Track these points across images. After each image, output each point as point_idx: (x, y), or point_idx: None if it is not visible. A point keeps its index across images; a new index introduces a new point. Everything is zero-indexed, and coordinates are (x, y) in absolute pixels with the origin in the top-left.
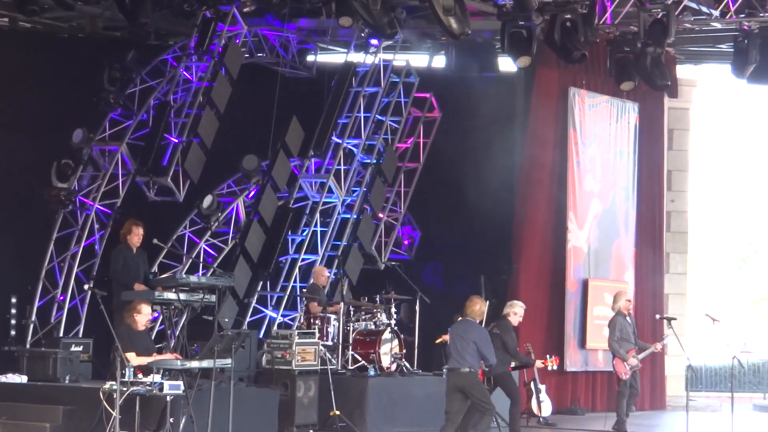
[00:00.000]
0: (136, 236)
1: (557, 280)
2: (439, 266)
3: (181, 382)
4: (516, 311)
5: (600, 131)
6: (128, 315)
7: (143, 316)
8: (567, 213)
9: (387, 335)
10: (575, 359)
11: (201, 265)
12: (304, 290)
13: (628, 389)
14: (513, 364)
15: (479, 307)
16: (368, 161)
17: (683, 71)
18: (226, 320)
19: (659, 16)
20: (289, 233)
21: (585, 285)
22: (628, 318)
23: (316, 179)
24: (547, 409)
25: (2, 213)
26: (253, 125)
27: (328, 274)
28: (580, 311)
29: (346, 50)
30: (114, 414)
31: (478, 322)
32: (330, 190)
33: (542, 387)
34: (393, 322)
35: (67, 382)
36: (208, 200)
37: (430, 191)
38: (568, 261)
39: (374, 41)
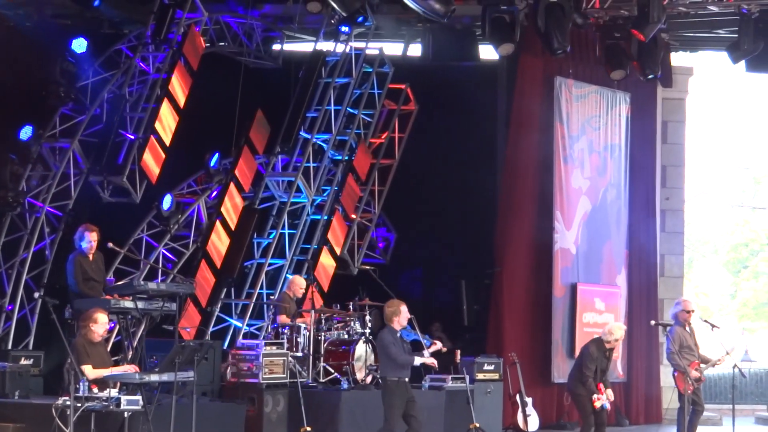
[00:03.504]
0: (88, 243)
1: (543, 285)
2: (416, 272)
3: (139, 397)
4: None
5: (588, 124)
6: (83, 325)
7: (100, 326)
8: (553, 212)
9: (361, 345)
10: (563, 369)
11: (160, 271)
12: (272, 297)
13: (691, 405)
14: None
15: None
16: (339, 158)
17: (678, 59)
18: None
19: None
20: (255, 236)
21: (574, 290)
22: (687, 328)
23: (283, 178)
24: (534, 423)
25: None
26: (215, 120)
27: (304, 285)
28: (569, 318)
29: (314, 38)
30: None
31: (389, 326)
32: (298, 189)
33: (529, 400)
34: (368, 331)
35: (16, 398)
36: (167, 201)
37: (406, 190)
38: (555, 264)
39: (345, 28)
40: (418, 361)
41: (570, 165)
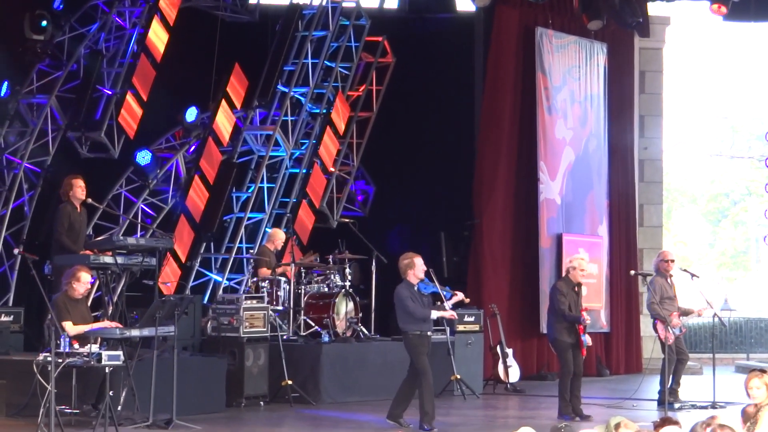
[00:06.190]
0: (78, 188)
1: (525, 236)
2: (396, 227)
3: (120, 353)
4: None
5: (569, 75)
6: (66, 282)
7: (82, 284)
8: (538, 163)
9: (341, 298)
10: None
11: (139, 225)
12: (252, 251)
13: (675, 355)
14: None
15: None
16: (317, 111)
17: (655, 8)
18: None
19: None
20: (234, 190)
21: (559, 240)
22: (668, 280)
23: (261, 131)
24: (514, 374)
25: None
26: (192, 74)
27: (284, 238)
28: (555, 268)
29: None
30: (49, 388)
31: (406, 281)
32: (276, 143)
33: (509, 351)
34: (347, 284)
35: None
36: (142, 156)
37: (385, 142)
38: (542, 215)
39: None
40: (435, 314)
41: (554, 115)
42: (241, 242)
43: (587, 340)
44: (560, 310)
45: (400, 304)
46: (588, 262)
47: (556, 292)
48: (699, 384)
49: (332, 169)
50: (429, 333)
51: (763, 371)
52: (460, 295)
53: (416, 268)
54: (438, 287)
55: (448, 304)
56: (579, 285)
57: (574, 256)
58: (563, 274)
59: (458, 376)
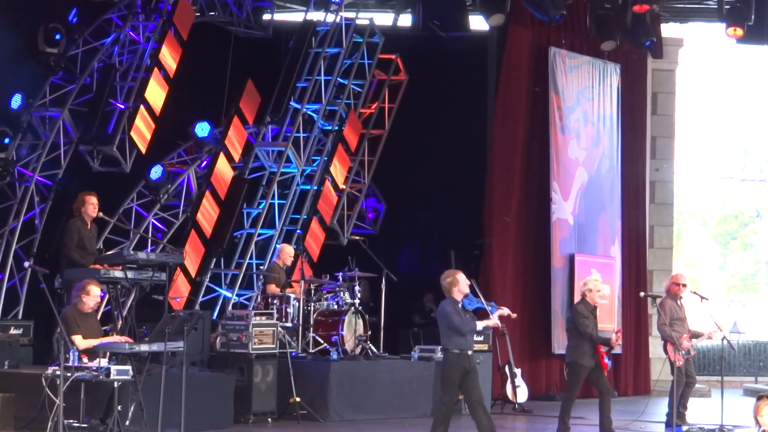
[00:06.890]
0: (91, 206)
1: (537, 255)
2: (406, 245)
3: (129, 367)
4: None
5: (582, 95)
6: (76, 295)
7: (92, 298)
8: (550, 183)
9: (351, 316)
10: (563, 340)
11: (150, 240)
12: (261, 267)
13: (684, 377)
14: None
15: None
16: (329, 128)
17: (668, 30)
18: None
19: None
20: (245, 206)
21: (572, 261)
22: (678, 302)
23: (273, 148)
24: (522, 394)
25: None
26: (205, 89)
27: (293, 254)
28: (568, 289)
29: (304, 8)
30: (57, 402)
31: (450, 297)
32: (288, 160)
33: (518, 371)
34: (357, 301)
35: (6, 367)
36: (156, 171)
37: (396, 160)
38: (554, 235)
39: None
40: (480, 325)
41: (567, 136)
42: (251, 258)
43: (610, 362)
44: (586, 333)
45: (446, 320)
46: (601, 283)
47: (578, 315)
48: (707, 407)
49: (343, 187)
50: (469, 353)
51: None
52: (505, 310)
53: (460, 284)
54: (483, 302)
55: (494, 318)
56: (595, 308)
57: (588, 278)
58: (577, 296)
59: None
